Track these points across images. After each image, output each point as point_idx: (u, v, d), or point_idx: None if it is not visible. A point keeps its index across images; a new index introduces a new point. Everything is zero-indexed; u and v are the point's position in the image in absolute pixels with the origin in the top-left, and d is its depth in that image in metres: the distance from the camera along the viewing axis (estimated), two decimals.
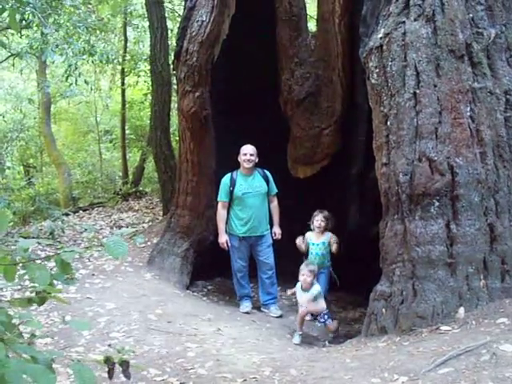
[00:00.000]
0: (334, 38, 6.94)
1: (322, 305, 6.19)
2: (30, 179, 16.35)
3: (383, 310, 5.14)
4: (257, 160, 6.89)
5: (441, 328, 4.69)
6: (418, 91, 5.05)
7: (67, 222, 10.59)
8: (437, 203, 4.92)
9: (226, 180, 6.91)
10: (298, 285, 6.24)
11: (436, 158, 4.91)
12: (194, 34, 6.80)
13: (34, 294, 2.02)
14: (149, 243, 8.95)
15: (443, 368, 3.93)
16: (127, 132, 17.84)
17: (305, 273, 6.12)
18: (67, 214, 11.23)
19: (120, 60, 13.87)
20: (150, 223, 11.06)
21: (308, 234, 6.95)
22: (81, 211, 13.37)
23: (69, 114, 20.09)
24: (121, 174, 16.23)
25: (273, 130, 7.92)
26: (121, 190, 14.33)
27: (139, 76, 13.82)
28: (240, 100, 7.76)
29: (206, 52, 6.86)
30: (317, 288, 6.13)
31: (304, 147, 7.66)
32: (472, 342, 4.18)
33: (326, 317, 6.22)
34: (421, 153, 4.97)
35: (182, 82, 7.02)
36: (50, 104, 15.39)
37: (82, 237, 10.19)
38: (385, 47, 5.28)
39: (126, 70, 14.54)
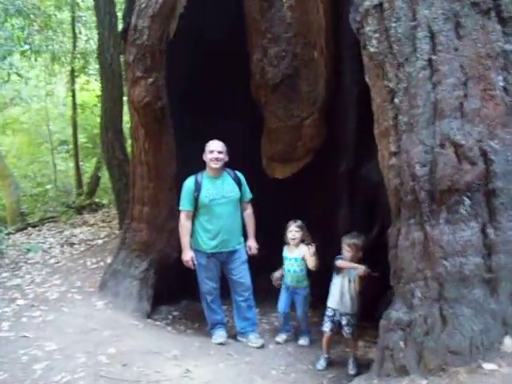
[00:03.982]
0: (315, 8, 5.80)
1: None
2: None
3: (401, 343, 3.98)
4: (226, 159, 5.78)
5: (483, 366, 3.53)
6: (433, 57, 3.94)
7: (7, 241, 9.27)
8: (468, 201, 3.78)
9: (189, 184, 5.77)
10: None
11: (464, 142, 3.78)
12: (143, 6, 5.58)
13: None
14: (101, 263, 7.78)
15: None
16: (83, 141, 16.68)
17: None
18: (10, 233, 9.87)
19: (68, 59, 12.59)
20: (107, 239, 9.84)
21: (284, 248, 6.03)
22: (30, 228, 12.02)
23: (23, 125, 18.75)
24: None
25: (243, 121, 6.79)
26: (74, 202, 12.98)
27: (89, 75, 12.52)
28: (203, 87, 6.61)
29: (159, 28, 5.64)
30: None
31: (282, 141, 6.52)
32: None
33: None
34: (443, 136, 3.84)
35: (132, 67, 5.80)
36: None
37: (26, 258, 8.92)
38: (386, 5, 4.19)
39: (75, 70, 13.23)
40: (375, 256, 6.25)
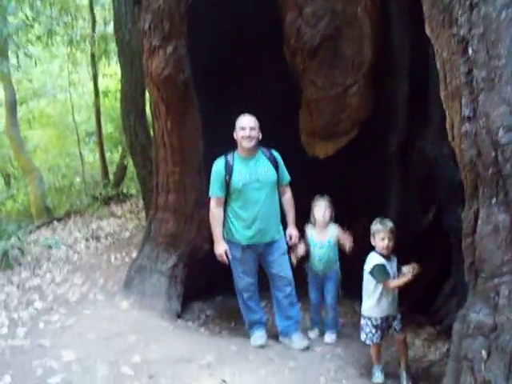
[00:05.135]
0: None
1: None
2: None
3: (484, 352, 3.22)
4: (260, 136, 5.07)
5: None
6: None
7: (29, 237, 8.76)
8: None
9: (219, 167, 5.08)
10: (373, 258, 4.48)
11: None
12: None
13: None
14: (127, 259, 7.17)
15: None
16: (110, 130, 16.16)
17: (386, 235, 4.42)
18: (31, 231, 9.36)
19: (88, 44, 12.00)
20: (134, 231, 9.26)
21: (308, 228, 5.34)
22: (55, 222, 11.48)
23: (50, 118, 18.39)
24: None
25: (278, 93, 6.12)
26: (100, 194, 12.42)
27: (110, 58, 11.89)
28: (231, 56, 5.92)
29: None
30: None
31: (323, 114, 5.76)
32: None
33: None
34: None
35: (148, 35, 5.09)
36: (14, 102, 13.41)
37: (49, 254, 8.36)
38: None
39: (96, 55, 12.64)
40: (431, 242, 5.56)
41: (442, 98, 3.62)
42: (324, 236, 5.25)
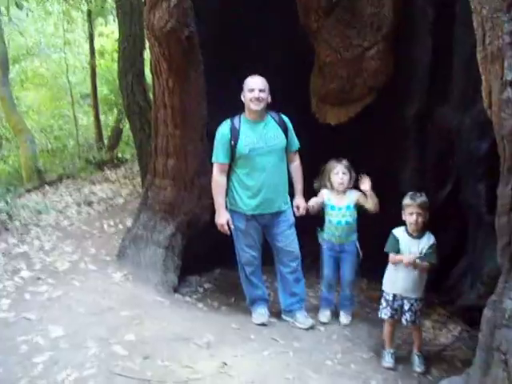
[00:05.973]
0: None
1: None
2: None
3: None
4: (269, 99, 4.73)
5: None
6: None
7: (18, 202, 8.42)
8: None
9: (224, 130, 4.75)
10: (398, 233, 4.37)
11: None
12: None
13: None
14: (120, 226, 6.84)
15: None
16: (106, 93, 15.78)
17: (414, 210, 4.24)
18: (20, 194, 9.01)
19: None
20: (128, 197, 8.94)
21: (325, 193, 5.04)
22: (47, 186, 11.15)
23: (44, 79, 17.97)
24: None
25: (289, 54, 5.76)
26: (94, 157, 12.09)
27: (106, 16, 11.44)
28: (241, 12, 5.55)
29: None
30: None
31: (337, 78, 5.41)
32: None
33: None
34: None
35: None
36: (6, 59, 12.98)
37: (38, 219, 8.01)
38: None
39: (92, 12, 12.17)
40: (446, 219, 5.27)
41: (479, 60, 3.28)
42: (343, 200, 4.92)
